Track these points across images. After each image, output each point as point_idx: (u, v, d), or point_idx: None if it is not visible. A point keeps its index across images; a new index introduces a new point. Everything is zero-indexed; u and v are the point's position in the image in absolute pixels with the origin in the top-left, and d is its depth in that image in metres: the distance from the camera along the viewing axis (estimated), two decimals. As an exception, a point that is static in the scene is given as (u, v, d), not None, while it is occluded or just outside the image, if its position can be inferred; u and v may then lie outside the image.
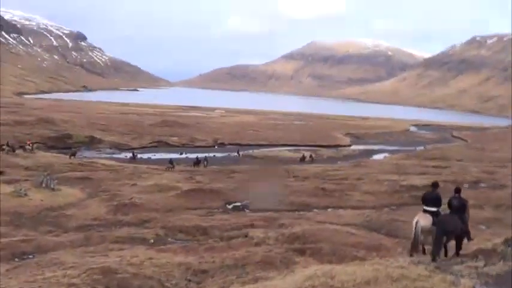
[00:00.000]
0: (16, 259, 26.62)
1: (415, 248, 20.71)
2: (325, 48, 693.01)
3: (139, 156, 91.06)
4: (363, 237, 32.14)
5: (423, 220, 19.92)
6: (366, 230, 36.92)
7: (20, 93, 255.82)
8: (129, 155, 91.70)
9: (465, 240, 20.27)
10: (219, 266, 23.20)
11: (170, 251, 27.76)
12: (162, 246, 29.59)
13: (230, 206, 48.59)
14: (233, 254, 25.30)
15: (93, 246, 29.68)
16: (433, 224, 19.90)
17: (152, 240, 32.90)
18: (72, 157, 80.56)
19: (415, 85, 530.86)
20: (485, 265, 15.83)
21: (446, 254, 19.50)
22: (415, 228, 20.47)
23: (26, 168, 67.38)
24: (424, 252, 20.47)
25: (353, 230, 35.19)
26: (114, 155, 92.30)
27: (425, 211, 20.92)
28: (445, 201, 19.47)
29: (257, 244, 30.28)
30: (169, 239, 33.85)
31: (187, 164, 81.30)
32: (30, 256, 27.27)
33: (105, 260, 23.99)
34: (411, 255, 20.42)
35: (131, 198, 48.01)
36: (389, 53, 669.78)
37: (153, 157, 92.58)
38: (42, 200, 47.13)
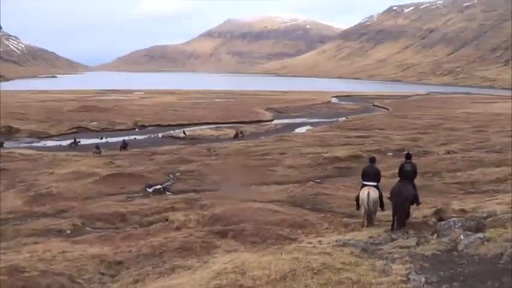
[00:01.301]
0: None
1: (370, 219, 21.10)
2: (243, 24, 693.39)
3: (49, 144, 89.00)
4: (287, 214, 31.60)
5: (373, 192, 20.46)
6: (290, 206, 36.42)
7: None
8: (65, 142, 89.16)
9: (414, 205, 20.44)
10: (135, 255, 22.36)
11: (86, 242, 26.82)
12: (77, 238, 28.57)
13: (151, 190, 47.68)
14: (151, 242, 24.48)
15: (6, 242, 28.45)
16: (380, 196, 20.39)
17: (69, 231, 31.87)
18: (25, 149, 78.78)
19: (335, 57, 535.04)
20: (417, 243, 15.13)
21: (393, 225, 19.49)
22: (368, 200, 20.70)
23: None
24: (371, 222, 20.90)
25: (277, 207, 34.67)
26: (33, 144, 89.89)
27: (364, 185, 21.12)
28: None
29: (177, 228, 29.60)
30: (87, 229, 32.80)
31: (108, 149, 79.62)
32: None
33: (16, 257, 22.84)
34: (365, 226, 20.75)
35: (48, 188, 46.55)
36: (307, 26, 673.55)
37: (63, 144, 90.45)
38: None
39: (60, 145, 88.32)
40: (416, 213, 22.19)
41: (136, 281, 18.09)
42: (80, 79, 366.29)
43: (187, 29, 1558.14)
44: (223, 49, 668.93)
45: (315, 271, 12.40)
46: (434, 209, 21.47)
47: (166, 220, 32.44)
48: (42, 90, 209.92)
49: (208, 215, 31.49)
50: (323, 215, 31.87)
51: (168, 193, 46.22)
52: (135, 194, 45.14)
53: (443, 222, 16.51)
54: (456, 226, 15.47)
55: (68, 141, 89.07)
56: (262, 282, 12.13)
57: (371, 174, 21.58)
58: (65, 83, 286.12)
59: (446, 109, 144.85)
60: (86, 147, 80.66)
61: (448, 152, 62.87)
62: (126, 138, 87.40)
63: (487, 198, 29.45)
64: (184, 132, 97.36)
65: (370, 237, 17.40)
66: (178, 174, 54.17)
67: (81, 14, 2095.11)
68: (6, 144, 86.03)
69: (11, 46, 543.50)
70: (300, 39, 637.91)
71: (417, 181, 22.23)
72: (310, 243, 17.30)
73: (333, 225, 27.95)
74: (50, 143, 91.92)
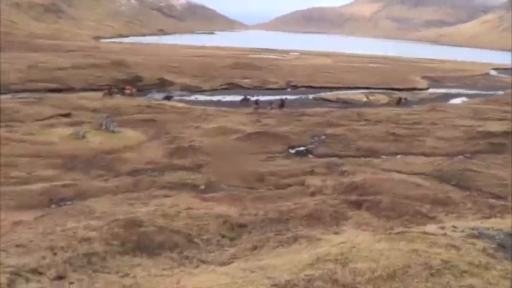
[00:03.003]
0: (52, 205, 25.17)
1: None
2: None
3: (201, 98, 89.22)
4: (430, 189, 29.60)
5: None
6: (434, 180, 34.28)
7: (97, 37, 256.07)
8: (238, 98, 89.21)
9: None
10: (261, 219, 21.24)
11: (215, 199, 25.99)
12: (208, 195, 27.82)
13: (293, 151, 46.43)
14: (280, 206, 23.25)
15: (138, 193, 28.17)
16: None
17: (203, 187, 31.19)
18: (167, 100, 80.00)
19: (497, 28, 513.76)
20: None
21: None
22: None
23: (93, 110, 66.29)
24: None
25: (420, 180, 32.72)
26: (185, 97, 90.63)
27: None
28: None
29: (312, 194, 28.29)
30: (222, 186, 32.01)
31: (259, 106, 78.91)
32: (68, 202, 25.81)
33: (139, 209, 22.22)
34: None
35: (191, 142, 46.36)
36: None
37: (223, 99, 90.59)
38: (100, 143, 45.95)
39: (211, 100, 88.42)
40: None
41: (254, 248, 16.89)
42: (237, 37, 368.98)
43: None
44: (382, 14, 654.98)
45: (432, 271, 10.02)
46: None
47: (303, 184, 31.05)
48: (199, 46, 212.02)
49: (347, 183, 30.00)
50: (468, 193, 29.57)
51: (310, 156, 44.84)
52: (277, 154, 44.12)
53: None
54: None
55: (239, 98, 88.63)
56: (363, 279, 9.98)
57: None
58: (222, 40, 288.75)
59: None
60: (235, 104, 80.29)
61: None
62: (277, 97, 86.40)
63: None
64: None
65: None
66: (323, 137, 52.71)
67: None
68: (156, 95, 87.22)
69: (172, 2, 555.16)
70: (461, 7, 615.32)
71: None
72: (442, 228, 15.04)
73: (477, 205, 25.84)
74: (202, 97, 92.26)
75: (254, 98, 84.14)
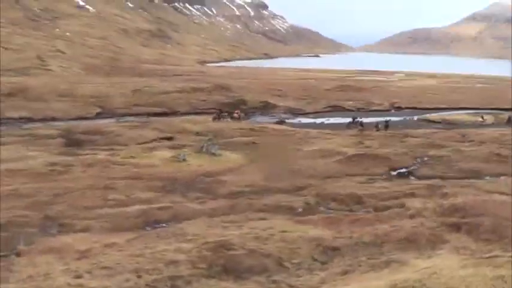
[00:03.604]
0: (147, 228, 25.28)
1: None
2: (508, 8, 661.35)
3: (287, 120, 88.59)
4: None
5: None
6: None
7: (202, 62, 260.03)
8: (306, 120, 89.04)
9: None
10: (355, 242, 20.61)
11: (311, 222, 25.50)
12: (305, 217, 27.34)
13: (395, 173, 45.53)
14: (376, 229, 22.56)
15: (234, 215, 28.03)
16: None
17: (300, 209, 30.81)
18: (279, 125, 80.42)
19: None
20: None
21: None
22: None
23: (196, 134, 67.02)
24: None
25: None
26: (288, 120, 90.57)
27: None
28: None
29: (411, 216, 27.39)
30: (320, 208, 31.56)
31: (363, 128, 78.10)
32: (163, 225, 25.89)
33: (233, 232, 22.06)
34: None
35: (291, 164, 46.13)
36: None
37: (326, 121, 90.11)
38: (200, 166, 46.30)
39: (315, 122, 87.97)
40: None
41: (345, 272, 16.39)
42: (342, 59, 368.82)
43: (452, 11, 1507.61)
44: (487, 33, 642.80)
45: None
46: None
47: (403, 206, 30.23)
48: (303, 69, 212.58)
49: (447, 205, 28.99)
50: None
51: (411, 178, 43.86)
52: (377, 176, 43.32)
53: None
54: None
55: (342, 120, 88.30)
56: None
57: None
58: (326, 62, 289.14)
59: None
60: (338, 126, 79.70)
61: None
62: (381, 119, 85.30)
63: None
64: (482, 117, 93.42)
65: None
66: (426, 158, 51.53)
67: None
68: (259, 119, 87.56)
69: (276, 25, 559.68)
70: None
71: None
72: None
73: None
74: (305, 120, 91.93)
75: (358, 120, 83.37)
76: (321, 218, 27.14)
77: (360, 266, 16.93)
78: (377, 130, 74.17)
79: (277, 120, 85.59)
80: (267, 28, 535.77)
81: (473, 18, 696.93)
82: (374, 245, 20.28)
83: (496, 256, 13.99)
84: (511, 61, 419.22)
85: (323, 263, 18.44)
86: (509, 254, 13.87)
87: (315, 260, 18.80)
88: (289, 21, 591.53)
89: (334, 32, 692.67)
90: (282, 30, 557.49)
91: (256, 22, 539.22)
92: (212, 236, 20.56)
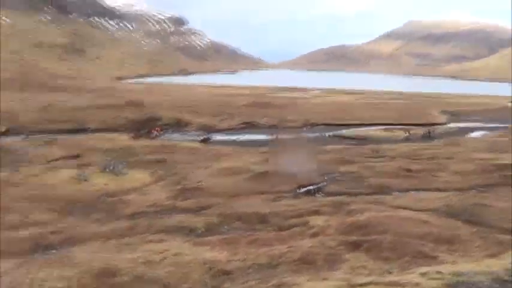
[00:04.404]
0: (35, 253, 24.11)
1: None
2: (423, 27, 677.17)
3: (219, 138, 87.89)
4: (437, 226, 28.25)
5: None
6: (443, 216, 32.80)
7: (119, 77, 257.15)
8: (218, 137, 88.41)
9: None
10: (249, 265, 19.91)
11: (208, 244, 24.73)
12: (202, 239, 26.57)
13: (302, 190, 45.13)
14: (272, 250, 21.94)
15: (132, 237, 27.01)
16: None
17: (202, 230, 30.03)
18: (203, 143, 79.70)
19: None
20: None
21: None
22: None
23: (105, 151, 65.59)
24: None
25: (428, 216, 31.41)
26: (201, 137, 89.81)
27: None
28: None
29: (313, 235, 26.96)
30: (224, 228, 30.82)
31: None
32: (53, 250, 24.73)
33: (125, 256, 21.07)
34: None
35: (198, 182, 45.33)
36: (488, 29, 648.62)
37: (240, 138, 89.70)
38: (105, 185, 45.20)
39: (229, 139, 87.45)
40: None
41: (233, 298, 15.61)
42: (259, 75, 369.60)
43: (368, 29, 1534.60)
44: (403, 50, 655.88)
45: None
46: None
47: (306, 225, 29.83)
48: (220, 85, 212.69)
49: (349, 222, 28.61)
50: (477, 229, 28.25)
51: (318, 195, 43.58)
52: (285, 194, 42.87)
53: None
54: None
55: (255, 136, 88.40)
56: None
57: None
58: (243, 79, 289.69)
59: None
60: (253, 143, 79.43)
61: None
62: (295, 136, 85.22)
63: None
64: (429, 132, 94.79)
65: (506, 269, 13.64)
66: (336, 175, 51.46)
67: (264, 12, 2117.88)
68: (173, 136, 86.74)
69: (195, 41, 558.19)
70: (480, 42, 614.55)
71: None
72: (423, 274, 13.84)
73: (485, 242, 24.50)
74: (218, 137, 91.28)
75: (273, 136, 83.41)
76: (219, 239, 26.37)
77: (248, 290, 16.27)
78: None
79: (202, 138, 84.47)
80: (185, 44, 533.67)
81: (389, 36, 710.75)
82: (268, 267, 19.66)
83: (373, 283, 13.56)
84: (426, 78, 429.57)
85: None
86: (388, 279, 13.54)
87: (206, 284, 18.04)
88: (208, 37, 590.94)
89: (252, 48, 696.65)
90: (201, 46, 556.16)
91: (175, 37, 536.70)
92: (100, 261, 19.58)
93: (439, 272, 13.73)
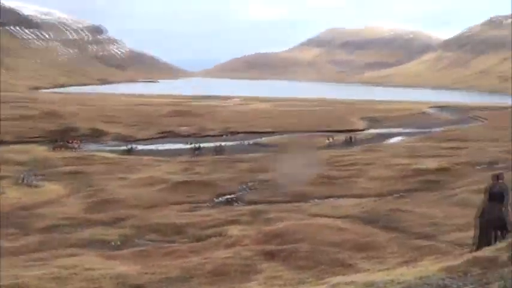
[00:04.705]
0: None
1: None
2: (343, 34, 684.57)
3: (139, 147, 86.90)
4: (354, 233, 28.34)
5: None
6: (361, 223, 32.99)
7: (35, 88, 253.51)
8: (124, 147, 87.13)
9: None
10: (160, 279, 19.45)
11: (122, 257, 24.23)
12: (115, 252, 26.03)
13: (221, 199, 44.93)
14: (186, 262, 21.59)
15: (44, 252, 26.25)
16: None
17: (117, 243, 29.45)
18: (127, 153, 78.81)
19: (435, 67, 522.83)
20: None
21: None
22: None
23: (19, 164, 63.99)
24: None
25: (345, 223, 31.50)
26: (119, 148, 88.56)
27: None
28: None
29: (230, 245, 26.68)
30: (138, 241, 30.31)
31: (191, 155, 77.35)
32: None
33: (33, 272, 20.40)
34: None
35: (112, 194, 44.59)
36: (408, 36, 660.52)
37: (159, 147, 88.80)
38: (18, 198, 43.96)
39: (148, 149, 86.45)
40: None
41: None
42: (179, 84, 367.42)
43: (291, 37, 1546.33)
44: (323, 58, 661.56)
45: None
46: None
47: (223, 235, 29.55)
48: (139, 94, 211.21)
49: (266, 231, 28.45)
50: (395, 235, 28.45)
51: (236, 204, 43.40)
52: (202, 204, 42.60)
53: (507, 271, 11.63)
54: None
55: (174, 146, 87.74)
56: None
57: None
58: (163, 88, 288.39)
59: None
60: (172, 152, 78.84)
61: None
62: (215, 144, 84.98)
63: None
64: (350, 138, 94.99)
65: (419, 278, 13.34)
66: (254, 183, 51.33)
67: (185, 20, 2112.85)
68: (90, 147, 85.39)
69: (114, 50, 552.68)
70: (400, 48, 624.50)
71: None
72: (334, 286, 13.56)
73: (401, 248, 24.61)
74: (138, 147, 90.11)
75: (196, 145, 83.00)
76: (133, 252, 25.92)
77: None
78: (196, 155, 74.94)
79: (126, 149, 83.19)
80: (104, 53, 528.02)
81: (309, 43, 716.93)
82: (181, 281, 19.26)
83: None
84: (346, 84, 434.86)
85: (122, 304, 17.25)
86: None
87: (113, 300, 17.56)
88: (127, 46, 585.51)
89: (172, 57, 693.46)
90: (119, 54, 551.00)
91: (94, 46, 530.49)
92: (8, 279, 18.94)
93: (351, 283, 13.48)
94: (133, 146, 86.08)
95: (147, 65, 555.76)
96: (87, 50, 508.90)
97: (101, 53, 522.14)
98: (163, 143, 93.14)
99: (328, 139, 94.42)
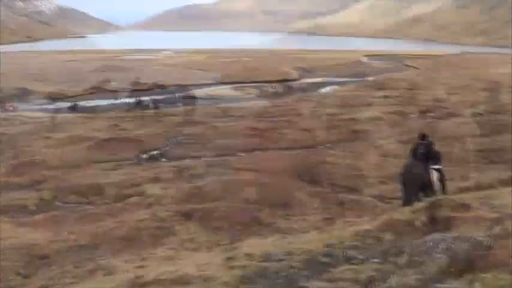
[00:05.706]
0: None
1: None
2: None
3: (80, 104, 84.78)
4: (277, 188, 27.60)
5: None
6: (285, 177, 32.30)
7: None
8: (66, 105, 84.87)
9: None
10: (69, 246, 18.44)
11: (33, 224, 23.05)
12: (28, 218, 24.87)
13: (146, 156, 43.86)
14: (98, 227, 20.60)
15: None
16: None
17: (35, 207, 28.29)
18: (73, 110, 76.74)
19: (369, 16, 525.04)
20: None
21: None
22: None
23: None
24: None
25: (269, 178, 30.72)
26: (48, 106, 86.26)
27: None
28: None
29: (148, 205, 25.77)
30: (57, 204, 29.19)
31: (120, 110, 75.66)
32: None
33: None
34: None
35: (34, 155, 43.03)
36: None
37: (87, 104, 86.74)
38: None
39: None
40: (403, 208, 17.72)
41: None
42: (110, 39, 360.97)
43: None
44: (257, 8, 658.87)
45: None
46: (427, 203, 15.19)
47: (143, 194, 28.63)
48: (68, 51, 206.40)
49: (186, 189, 27.60)
50: (320, 189, 27.92)
51: (162, 160, 42.45)
52: (126, 161, 41.34)
53: (418, 242, 11.07)
54: (437, 251, 9.73)
55: (103, 102, 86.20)
56: None
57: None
58: (93, 43, 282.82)
59: (480, 69, 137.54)
60: (101, 108, 77.29)
61: (476, 114, 58.25)
62: (145, 98, 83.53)
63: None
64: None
65: (326, 247, 12.43)
66: (180, 138, 50.37)
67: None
68: (20, 106, 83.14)
69: (42, 7, 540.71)
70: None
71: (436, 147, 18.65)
72: (230, 259, 12.62)
73: (324, 203, 24.11)
74: (65, 104, 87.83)
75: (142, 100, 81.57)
76: (46, 217, 24.78)
77: (64, 277, 14.79)
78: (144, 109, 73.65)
79: (69, 106, 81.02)
80: (30, 9, 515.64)
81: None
82: (90, 248, 18.25)
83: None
84: (280, 34, 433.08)
85: (25, 277, 16.04)
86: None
87: (19, 274, 16.37)
88: (55, 2, 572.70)
89: (102, 11, 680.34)
90: (46, 11, 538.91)
91: (20, 3, 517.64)
92: None
93: (249, 255, 12.46)
94: (77, 103, 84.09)
95: (76, 20, 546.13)
96: (14, 7, 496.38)
97: (28, 10, 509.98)
98: (91, 100, 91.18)
99: (273, 88, 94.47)
